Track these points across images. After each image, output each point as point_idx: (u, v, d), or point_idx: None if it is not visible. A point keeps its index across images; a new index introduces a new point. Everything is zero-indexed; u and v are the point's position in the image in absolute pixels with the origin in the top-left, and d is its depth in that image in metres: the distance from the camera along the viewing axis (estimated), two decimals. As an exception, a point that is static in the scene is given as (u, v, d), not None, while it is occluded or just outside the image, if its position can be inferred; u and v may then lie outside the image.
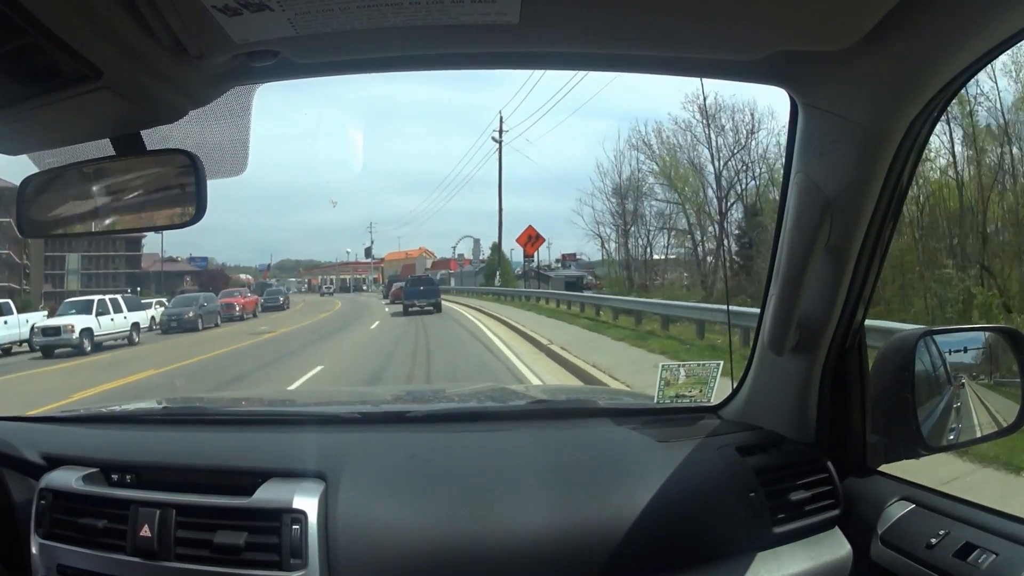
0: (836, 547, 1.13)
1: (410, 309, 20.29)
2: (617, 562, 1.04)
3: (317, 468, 1.12)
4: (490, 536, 1.04)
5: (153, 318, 19.91)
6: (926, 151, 1.04)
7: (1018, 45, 0.86)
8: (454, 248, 48.51)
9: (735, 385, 1.38)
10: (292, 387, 7.37)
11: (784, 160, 1.13)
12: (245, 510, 1.06)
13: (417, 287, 21.63)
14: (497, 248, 33.07)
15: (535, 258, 28.63)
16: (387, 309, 22.60)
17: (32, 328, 15.75)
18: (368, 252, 55.93)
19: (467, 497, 1.09)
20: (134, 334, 16.85)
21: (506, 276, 31.85)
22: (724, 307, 10.23)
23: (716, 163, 22.24)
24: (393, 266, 54.23)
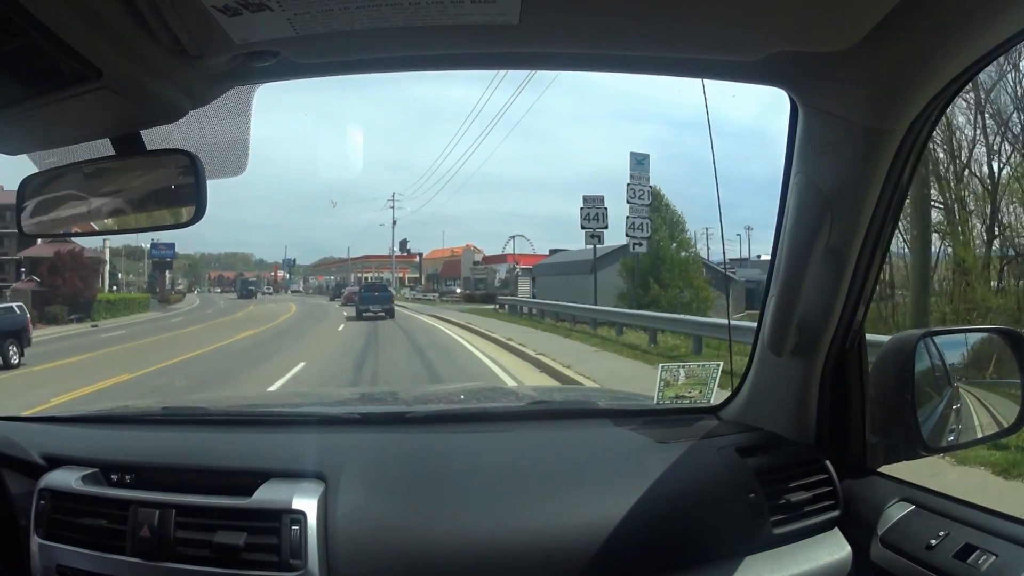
0: (836, 548, 1.13)
1: (364, 314, 21.36)
2: (616, 563, 1.04)
3: (316, 469, 1.12)
4: (489, 536, 1.04)
5: None
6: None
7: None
8: (513, 238, 37.57)
9: (735, 386, 1.38)
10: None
11: (784, 161, 1.13)
12: (244, 510, 1.06)
13: (372, 292, 23.20)
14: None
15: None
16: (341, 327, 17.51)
17: None
18: (403, 245, 46.10)
19: (466, 497, 1.09)
20: None
21: (690, 282, 15.71)
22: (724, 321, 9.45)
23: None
24: (435, 263, 46.59)
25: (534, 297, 23.87)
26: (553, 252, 28.70)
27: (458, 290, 37.90)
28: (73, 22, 0.71)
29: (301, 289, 57.57)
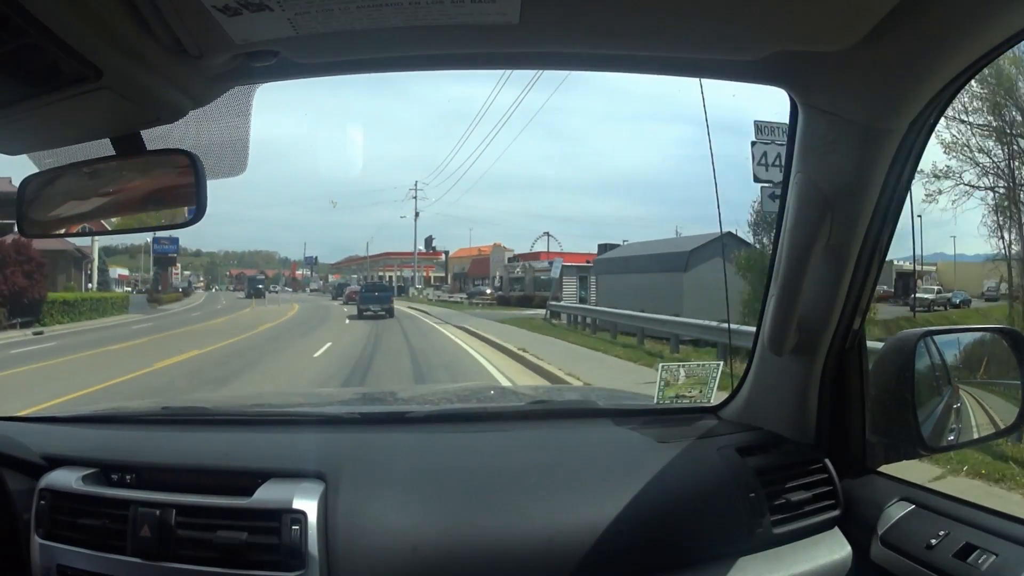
0: (836, 547, 1.13)
1: (364, 313, 21.76)
2: (617, 561, 1.04)
3: (317, 468, 1.12)
4: (489, 536, 1.04)
5: None
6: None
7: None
8: (547, 234, 34.09)
9: (735, 386, 1.39)
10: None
11: (784, 160, 1.13)
12: (245, 510, 1.06)
13: (372, 292, 23.50)
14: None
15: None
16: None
17: None
18: (428, 243, 41.84)
19: (467, 497, 1.09)
20: None
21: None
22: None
23: None
24: (462, 262, 43.09)
25: (582, 301, 19.71)
26: (604, 247, 23.82)
27: (488, 291, 33.33)
28: (73, 22, 0.71)
29: (319, 288, 55.95)
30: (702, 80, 1.17)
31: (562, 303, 18.91)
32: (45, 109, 0.85)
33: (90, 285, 27.09)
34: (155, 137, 0.98)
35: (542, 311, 19.05)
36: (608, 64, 1.04)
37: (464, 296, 33.95)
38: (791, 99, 1.06)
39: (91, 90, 0.81)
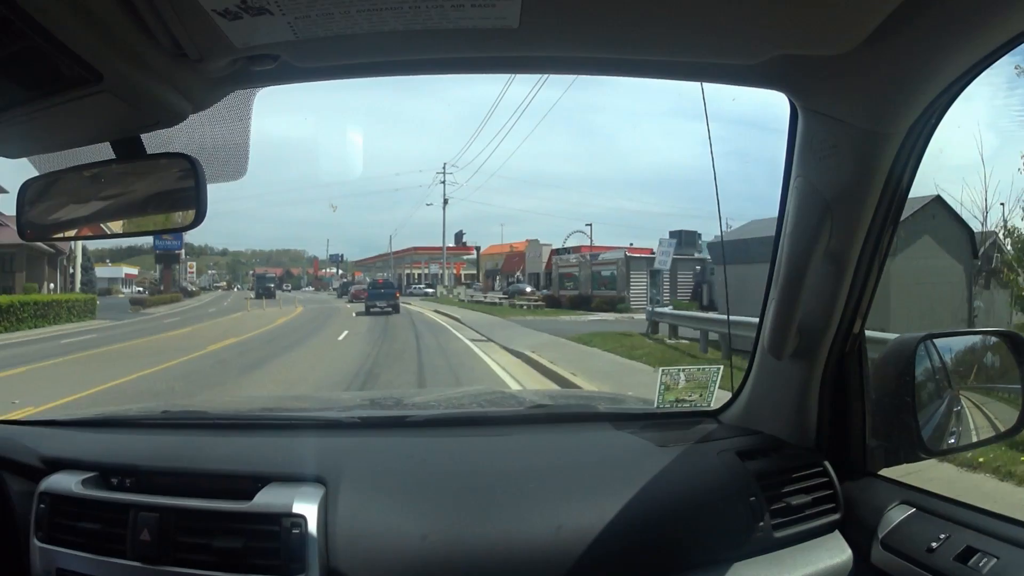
0: (837, 551, 1.13)
1: (371, 309, 23.35)
2: (616, 566, 1.04)
3: (317, 473, 1.12)
4: (489, 541, 1.04)
5: None
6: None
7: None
8: (590, 226, 30.97)
9: (735, 390, 1.38)
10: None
11: (784, 164, 1.13)
12: (245, 514, 1.06)
13: (378, 290, 24.97)
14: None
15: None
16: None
17: None
18: (459, 238, 39.08)
19: (467, 502, 1.09)
20: None
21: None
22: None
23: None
24: (494, 258, 39.80)
25: (653, 301, 14.84)
26: (680, 235, 21.23)
27: (529, 288, 29.13)
28: (74, 25, 0.71)
29: (339, 287, 54.87)
30: (703, 84, 1.17)
31: (675, 311, 13.22)
32: (45, 112, 0.85)
33: (52, 286, 23.93)
34: (155, 141, 0.98)
35: (607, 315, 15.04)
36: (608, 68, 1.04)
37: (502, 295, 29.94)
38: (791, 103, 1.06)
39: (91, 93, 0.81)
